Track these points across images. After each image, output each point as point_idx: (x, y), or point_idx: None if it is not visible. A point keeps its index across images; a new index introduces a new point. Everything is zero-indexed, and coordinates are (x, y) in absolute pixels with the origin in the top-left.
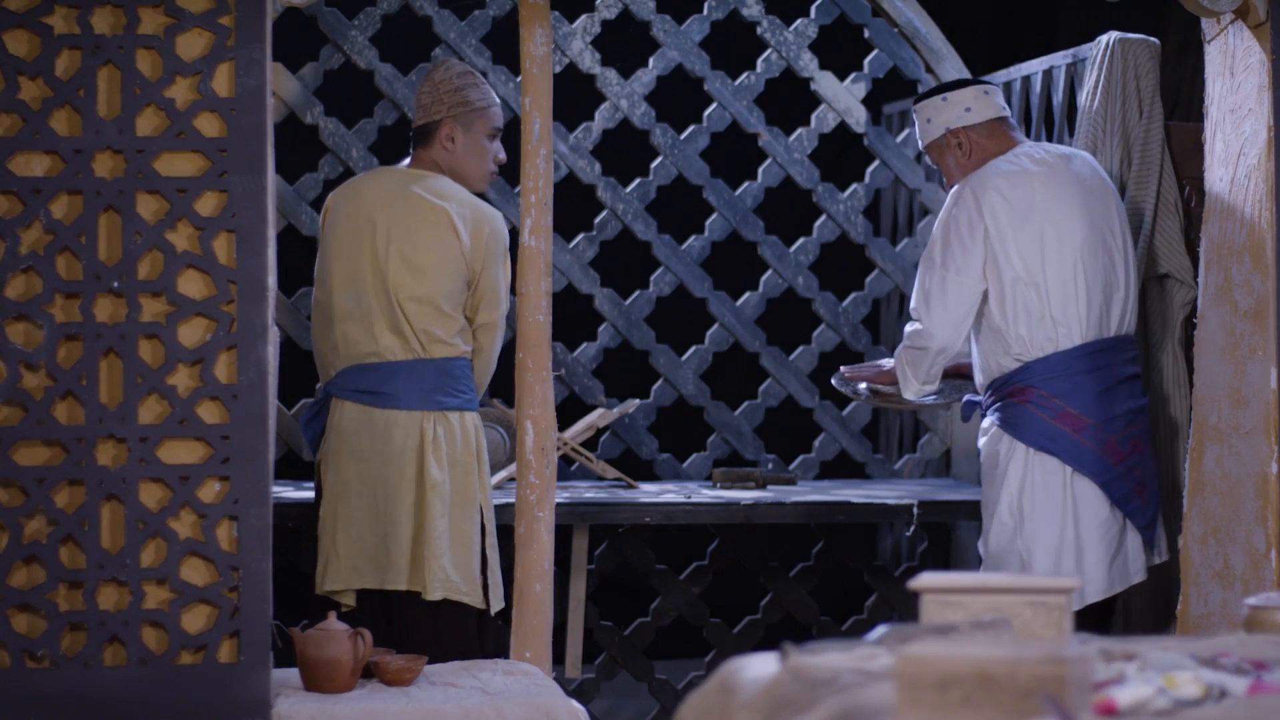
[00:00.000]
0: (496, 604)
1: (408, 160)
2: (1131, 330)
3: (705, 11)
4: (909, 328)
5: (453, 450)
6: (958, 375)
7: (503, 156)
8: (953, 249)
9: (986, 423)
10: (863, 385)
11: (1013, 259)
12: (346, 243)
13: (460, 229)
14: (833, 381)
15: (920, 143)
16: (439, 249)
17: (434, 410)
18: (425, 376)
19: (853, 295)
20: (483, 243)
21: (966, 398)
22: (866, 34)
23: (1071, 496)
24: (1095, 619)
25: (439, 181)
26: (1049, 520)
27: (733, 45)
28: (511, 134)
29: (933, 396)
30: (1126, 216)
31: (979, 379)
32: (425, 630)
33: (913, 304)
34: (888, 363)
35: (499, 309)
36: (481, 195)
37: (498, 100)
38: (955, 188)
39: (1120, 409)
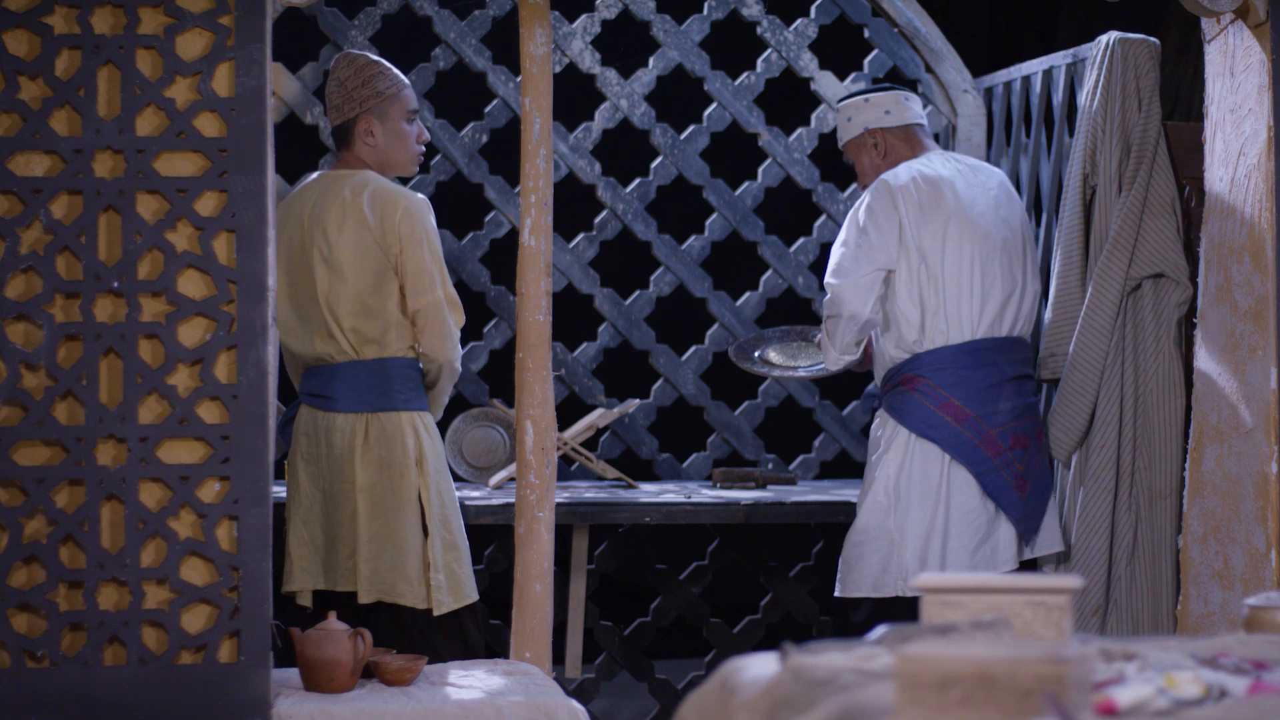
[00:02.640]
0: (447, 605)
1: (333, 163)
2: (1026, 334)
3: (705, 11)
4: (825, 297)
5: (384, 451)
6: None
7: (426, 135)
8: (868, 230)
9: (879, 409)
10: (757, 352)
11: (917, 253)
12: (282, 255)
13: (369, 217)
14: (729, 353)
15: (839, 140)
16: (353, 243)
17: (367, 412)
18: (358, 378)
19: None
20: (394, 225)
21: (866, 390)
22: (866, 34)
23: (946, 483)
24: None
25: (357, 176)
26: (923, 503)
27: (733, 45)
28: (511, 134)
29: (820, 366)
30: (1031, 229)
31: (876, 369)
32: (389, 633)
33: (827, 278)
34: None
35: (431, 292)
36: (483, 189)
37: (407, 80)
38: (873, 184)
39: (1005, 405)
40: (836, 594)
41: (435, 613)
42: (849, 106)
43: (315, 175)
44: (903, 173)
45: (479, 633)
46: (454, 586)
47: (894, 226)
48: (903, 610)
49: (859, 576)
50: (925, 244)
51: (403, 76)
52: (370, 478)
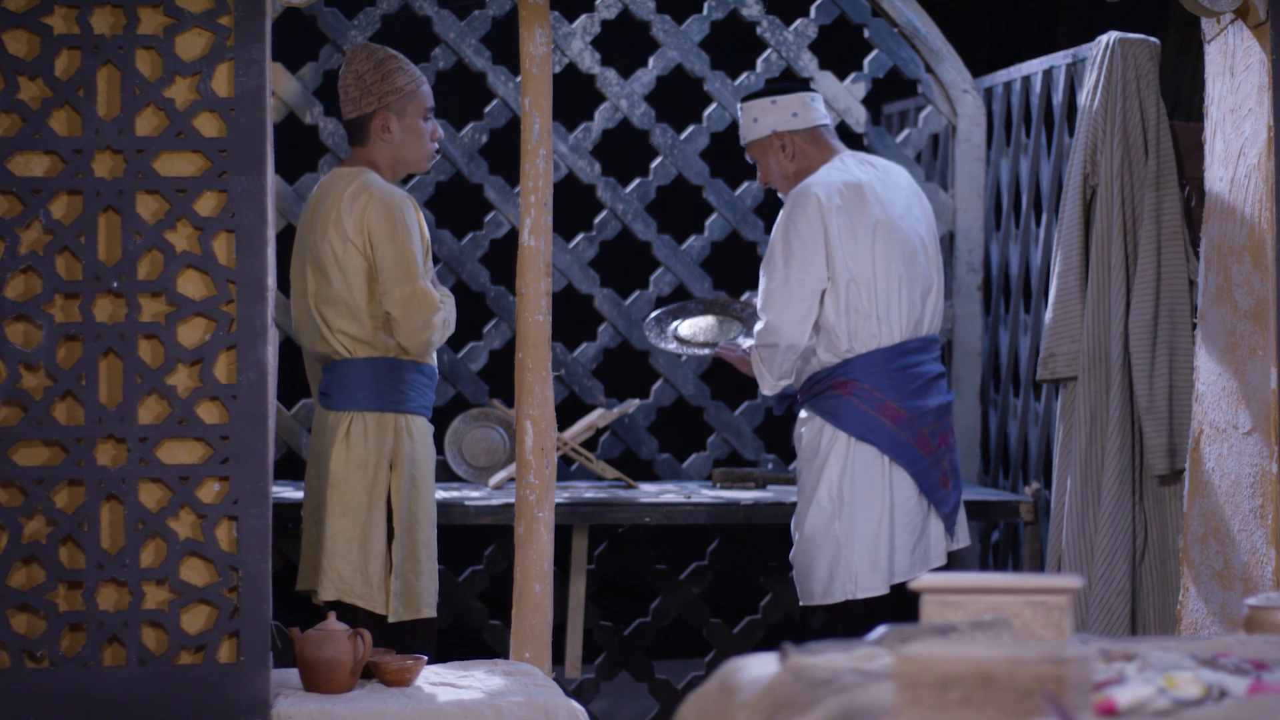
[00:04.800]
0: (403, 613)
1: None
2: (937, 331)
3: (705, 11)
4: (757, 327)
5: (360, 449)
6: None
7: (440, 133)
8: (794, 250)
9: (805, 414)
10: (671, 326)
11: (847, 261)
12: (295, 255)
13: (345, 217)
14: (645, 328)
15: (743, 139)
16: (334, 245)
17: (353, 410)
18: (350, 376)
19: None
20: (364, 221)
21: (781, 389)
22: (866, 34)
23: (888, 484)
24: (898, 600)
25: (353, 174)
26: (868, 506)
27: (733, 45)
28: (511, 134)
29: (709, 349)
30: (935, 224)
31: (799, 373)
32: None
33: (759, 306)
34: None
35: (401, 286)
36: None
37: (424, 78)
38: (794, 193)
39: (932, 404)
40: (801, 604)
41: (389, 619)
42: (754, 107)
43: (330, 173)
44: (824, 182)
45: (428, 652)
46: (409, 597)
47: (819, 244)
48: (856, 612)
49: (811, 584)
50: (853, 253)
51: (420, 72)
52: (341, 474)
